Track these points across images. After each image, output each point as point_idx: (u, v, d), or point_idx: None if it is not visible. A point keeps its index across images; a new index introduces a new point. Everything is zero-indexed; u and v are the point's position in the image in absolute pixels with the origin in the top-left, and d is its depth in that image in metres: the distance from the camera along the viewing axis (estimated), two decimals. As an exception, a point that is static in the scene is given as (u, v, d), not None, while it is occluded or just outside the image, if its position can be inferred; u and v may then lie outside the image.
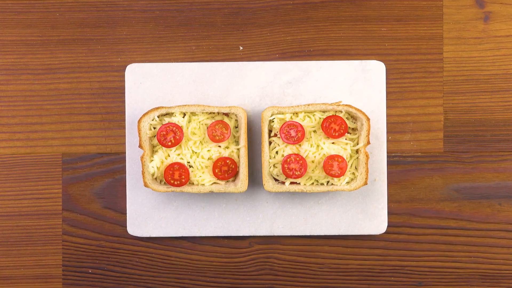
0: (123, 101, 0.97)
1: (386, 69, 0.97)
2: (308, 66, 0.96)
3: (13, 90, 0.98)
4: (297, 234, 0.96)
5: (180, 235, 0.96)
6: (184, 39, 0.98)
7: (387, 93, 0.97)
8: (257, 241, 0.98)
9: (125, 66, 0.97)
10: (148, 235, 0.96)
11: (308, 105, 0.90)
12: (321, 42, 0.98)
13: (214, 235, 0.97)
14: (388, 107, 0.97)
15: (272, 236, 0.98)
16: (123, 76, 0.97)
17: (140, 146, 0.90)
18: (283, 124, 0.90)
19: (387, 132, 0.97)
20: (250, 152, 0.96)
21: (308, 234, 0.96)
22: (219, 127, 0.91)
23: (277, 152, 0.91)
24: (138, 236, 0.96)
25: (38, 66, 0.98)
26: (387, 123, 0.97)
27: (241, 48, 0.98)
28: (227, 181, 0.92)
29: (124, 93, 0.97)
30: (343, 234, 0.96)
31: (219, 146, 0.92)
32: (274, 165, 0.91)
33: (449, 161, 0.97)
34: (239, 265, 0.98)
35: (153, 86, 0.96)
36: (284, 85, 0.96)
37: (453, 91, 0.98)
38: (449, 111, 0.98)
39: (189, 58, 0.98)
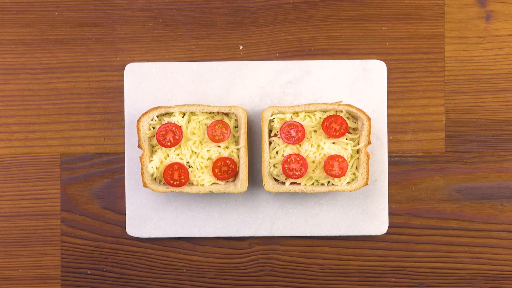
0: (122, 101, 0.97)
1: (387, 69, 0.97)
2: (308, 66, 0.95)
3: (11, 89, 0.97)
4: (297, 235, 0.96)
5: (180, 236, 0.96)
6: (183, 38, 0.98)
7: (388, 92, 0.97)
8: (257, 241, 0.97)
9: (124, 66, 0.96)
10: (147, 236, 0.96)
11: (309, 104, 0.90)
12: (322, 41, 0.97)
13: (214, 236, 0.96)
14: (389, 106, 0.97)
15: (272, 236, 0.97)
16: (122, 75, 0.97)
17: (139, 146, 0.90)
18: (283, 124, 0.89)
19: (388, 132, 0.97)
20: (250, 152, 0.95)
21: (308, 234, 0.95)
22: (218, 127, 0.90)
23: (277, 152, 0.91)
24: (137, 237, 0.96)
25: (37, 65, 0.97)
26: (388, 123, 0.97)
27: (241, 47, 0.97)
28: (227, 181, 0.91)
29: (123, 92, 0.97)
30: (344, 234, 0.95)
31: (219, 146, 0.91)
32: (274, 165, 0.91)
33: (451, 161, 0.97)
34: (239, 266, 0.97)
35: (152, 86, 0.95)
36: (284, 84, 0.95)
37: (455, 90, 0.97)
38: (451, 111, 0.97)
39: (189, 58, 0.97)
